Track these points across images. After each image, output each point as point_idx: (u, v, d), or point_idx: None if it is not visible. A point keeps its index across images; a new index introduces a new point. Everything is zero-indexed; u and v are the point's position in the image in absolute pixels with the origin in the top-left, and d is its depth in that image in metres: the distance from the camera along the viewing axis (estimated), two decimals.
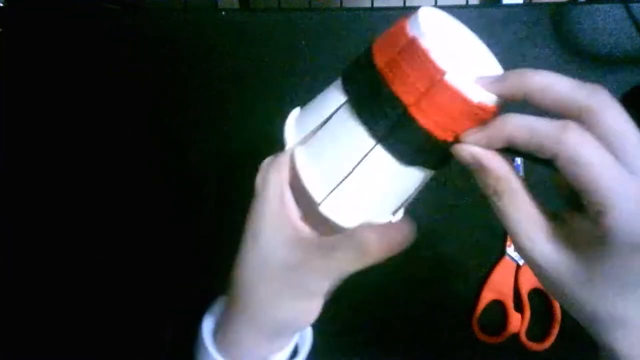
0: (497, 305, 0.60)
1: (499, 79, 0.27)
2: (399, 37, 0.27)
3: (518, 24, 0.58)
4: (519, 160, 0.57)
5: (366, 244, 0.29)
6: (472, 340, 0.60)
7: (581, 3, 0.59)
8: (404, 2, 0.62)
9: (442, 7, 0.62)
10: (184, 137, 0.62)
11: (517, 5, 0.61)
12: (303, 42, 0.59)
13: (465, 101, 0.26)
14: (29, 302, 0.64)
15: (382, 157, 0.28)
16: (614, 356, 0.28)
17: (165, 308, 0.64)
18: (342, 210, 0.30)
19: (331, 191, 0.29)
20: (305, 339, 0.38)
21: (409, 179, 0.30)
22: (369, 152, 0.28)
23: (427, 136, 0.27)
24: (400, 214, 0.33)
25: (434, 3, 0.61)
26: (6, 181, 0.63)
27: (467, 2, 0.62)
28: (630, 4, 0.56)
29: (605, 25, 0.57)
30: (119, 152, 0.62)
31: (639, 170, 0.25)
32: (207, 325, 0.37)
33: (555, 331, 0.59)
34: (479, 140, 0.27)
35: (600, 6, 0.57)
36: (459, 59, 0.26)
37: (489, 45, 0.57)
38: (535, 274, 0.28)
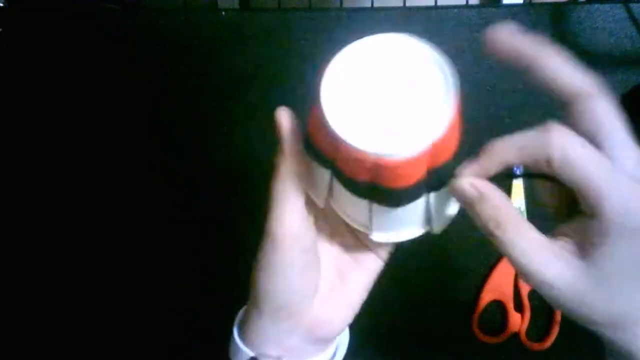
0: (497, 305, 0.60)
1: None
2: (312, 107, 0.30)
3: (518, 24, 0.58)
4: None
5: None
6: (472, 340, 0.60)
7: (581, 3, 0.59)
8: (404, 2, 0.62)
9: (442, 7, 0.62)
10: (184, 137, 0.62)
11: (517, 5, 0.61)
12: (303, 42, 0.59)
13: (364, 158, 0.27)
14: (29, 302, 0.64)
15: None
16: (634, 357, 0.28)
17: (165, 308, 0.64)
18: (390, 234, 0.33)
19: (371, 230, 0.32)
20: (343, 341, 0.39)
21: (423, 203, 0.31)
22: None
23: (351, 182, 0.29)
24: (442, 222, 0.35)
25: (434, 3, 0.61)
26: (6, 181, 0.63)
27: (467, 2, 0.62)
28: (630, 4, 0.56)
29: (605, 25, 0.57)
30: (119, 152, 0.62)
31: (621, 160, 0.26)
32: (237, 320, 0.38)
33: (555, 331, 0.59)
34: (476, 171, 0.28)
35: (600, 6, 0.57)
36: (356, 120, 0.27)
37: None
38: (553, 297, 0.27)
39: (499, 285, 0.60)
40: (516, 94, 0.58)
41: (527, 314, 0.59)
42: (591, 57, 0.57)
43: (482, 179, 0.28)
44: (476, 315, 0.60)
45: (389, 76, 0.29)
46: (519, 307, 0.60)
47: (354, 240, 0.37)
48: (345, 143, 0.26)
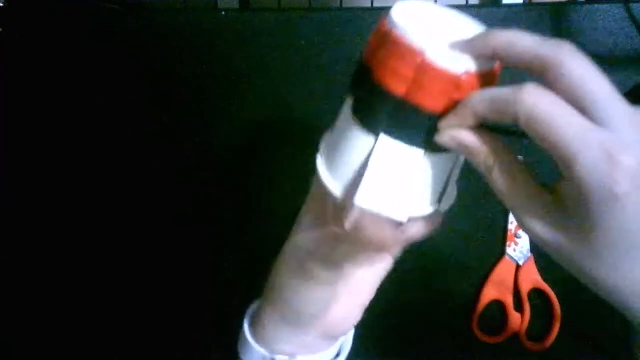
0: (497, 305, 0.60)
1: (468, 42, 0.27)
2: (380, 33, 0.29)
3: (518, 24, 0.58)
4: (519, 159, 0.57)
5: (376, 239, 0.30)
6: (472, 340, 0.60)
7: (581, 3, 0.59)
8: None
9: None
10: (184, 136, 0.62)
11: (517, 5, 0.61)
12: (303, 42, 0.59)
13: (451, 74, 0.27)
14: (29, 302, 0.64)
15: (393, 147, 0.29)
16: None
17: (165, 308, 0.64)
18: (378, 201, 0.30)
19: (360, 186, 0.30)
20: (348, 336, 0.39)
21: (434, 165, 0.31)
22: (373, 146, 0.29)
23: (429, 115, 0.28)
24: (450, 201, 0.33)
25: (434, 3, 0.61)
26: (6, 181, 0.63)
27: (467, 2, 0.62)
28: (630, 4, 0.56)
29: (605, 25, 0.57)
30: (118, 151, 0.62)
31: (604, 120, 0.24)
32: (247, 319, 0.38)
33: (555, 331, 0.59)
34: (452, 123, 0.28)
35: (600, 6, 0.57)
36: (435, 38, 0.27)
37: None
38: (543, 248, 0.27)
39: (499, 285, 0.60)
40: None
41: (527, 314, 0.59)
42: (591, 57, 0.57)
43: (464, 129, 0.28)
44: (476, 315, 0.60)
45: (448, 21, 0.30)
46: (519, 307, 0.60)
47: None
48: (428, 55, 0.26)
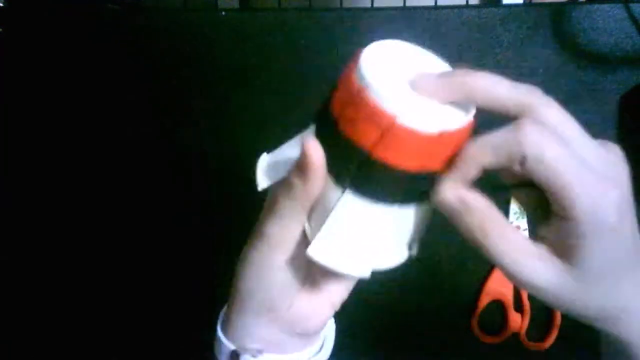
0: (497, 305, 0.60)
1: (440, 83, 0.27)
2: (348, 87, 0.28)
3: (518, 24, 0.58)
4: None
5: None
6: (472, 340, 0.60)
7: (581, 3, 0.58)
8: (404, 2, 0.62)
9: (443, 7, 0.62)
10: (184, 136, 0.62)
11: (517, 5, 0.61)
12: (303, 42, 0.59)
13: (425, 136, 0.26)
14: (29, 302, 0.64)
15: (356, 202, 0.28)
16: (625, 348, 0.29)
17: (164, 308, 0.64)
18: (334, 256, 0.30)
19: (314, 237, 0.30)
20: (329, 336, 0.39)
21: (404, 218, 0.30)
22: (338, 199, 0.29)
23: (396, 172, 0.27)
24: (413, 251, 0.33)
25: (434, 3, 0.61)
26: (6, 181, 0.63)
27: (467, 2, 0.62)
28: (630, 4, 0.56)
29: (605, 25, 0.57)
30: (118, 151, 0.62)
31: (586, 158, 0.26)
32: (222, 313, 0.38)
33: (555, 331, 0.59)
34: (456, 179, 0.28)
35: (600, 6, 0.57)
36: (407, 97, 0.27)
37: (489, 45, 0.57)
38: (546, 300, 0.28)
39: (499, 285, 0.60)
40: None
41: (527, 314, 0.59)
42: (591, 57, 0.57)
43: (465, 188, 0.28)
44: (476, 316, 0.60)
45: (417, 68, 0.29)
46: (519, 307, 0.60)
47: None
48: (400, 120, 0.26)
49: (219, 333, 0.36)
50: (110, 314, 0.64)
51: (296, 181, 0.29)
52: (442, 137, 0.26)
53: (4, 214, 0.63)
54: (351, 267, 0.30)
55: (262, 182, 0.32)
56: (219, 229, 0.63)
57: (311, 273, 0.35)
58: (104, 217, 0.63)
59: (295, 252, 0.32)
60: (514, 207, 0.59)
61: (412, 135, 0.26)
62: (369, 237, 0.30)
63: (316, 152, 0.27)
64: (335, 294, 0.36)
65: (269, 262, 0.32)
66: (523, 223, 0.59)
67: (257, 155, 0.33)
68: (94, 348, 0.65)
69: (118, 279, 0.64)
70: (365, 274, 0.30)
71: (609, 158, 0.27)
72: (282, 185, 0.30)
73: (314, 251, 0.29)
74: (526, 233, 0.60)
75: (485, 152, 0.27)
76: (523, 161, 0.25)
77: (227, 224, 0.62)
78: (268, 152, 0.33)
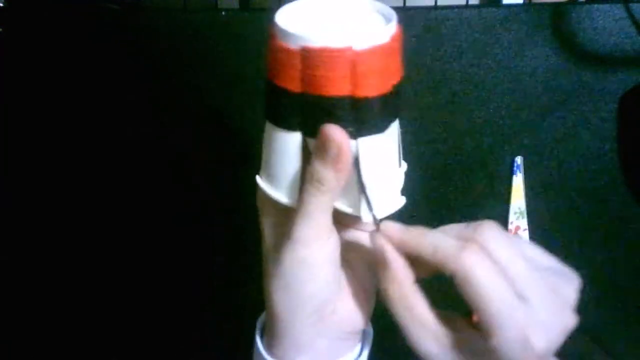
0: None
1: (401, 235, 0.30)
2: (268, 43, 0.31)
3: (518, 24, 0.58)
4: (518, 159, 0.57)
5: None
6: None
7: (581, 3, 0.59)
8: (404, 2, 0.62)
9: (443, 7, 0.62)
10: (184, 137, 0.62)
11: (517, 5, 0.61)
12: None
13: (337, 50, 0.27)
14: (29, 302, 0.64)
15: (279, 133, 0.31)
16: None
17: (164, 308, 0.64)
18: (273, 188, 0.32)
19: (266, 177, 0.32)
20: (367, 336, 0.39)
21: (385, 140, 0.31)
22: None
23: (335, 100, 0.28)
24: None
25: (434, 3, 0.61)
26: (6, 181, 0.63)
27: (467, 2, 0.62)
28: (630, 4, 0.56)
29: (605, 25, 0.57)
30: (118, 151, 0.62)
31: (524, 295, 0.27)
32: (258, 330, 0.37)
33: None
34: (395, 236, 0.30)
35: (600, 6, 0.57)
36: (315, 26, 0.29)
37: (489, 45, 0.57)
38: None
39: None
40: (516, 93, 0.58)
41: None
42: (591, 57, 0.57)
43: (395, 249, 0.30)
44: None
45: (335, 13, 0.32)
46: None
47: (361, 232, 0.36)
48: (312, 42, 0.27)
49: (262, 351, 0.35)
50: (110, 314, 0.64)
51: (326, 175, 0.29)
52: (355, 51, 0.27)
53: (4, 214, 0.63)
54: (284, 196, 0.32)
55: (286, 198, 0.32)
56: (219, 229, 0.63)
57: (344, 268, 0.35)
58: (104, 217, 0.63)
59: (329, 246, 0.32)
60: (514, 207, 0.59)
61: (324, 54, 0.27)
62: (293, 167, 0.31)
63: (345, 140, 0.28)
64: (370, 286, 0.36)
65: (310, 265, 0.32)
66: (523, 223, 0.59)
67: (257, 156, 0.33)
68: (94, 348, 0.65)
69: (118, 279, 0.64)
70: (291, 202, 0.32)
71: (555, 301, 0.28)
72: (306, 188, 0.30)
73: (260, 181, 0.32)
74: (526, 233, 0.60)
75: (429, 248, 0.29)
76: (453, 276, 0.27)
77: (227, 224, 0.63)
78: (256, 174, 0.34)
